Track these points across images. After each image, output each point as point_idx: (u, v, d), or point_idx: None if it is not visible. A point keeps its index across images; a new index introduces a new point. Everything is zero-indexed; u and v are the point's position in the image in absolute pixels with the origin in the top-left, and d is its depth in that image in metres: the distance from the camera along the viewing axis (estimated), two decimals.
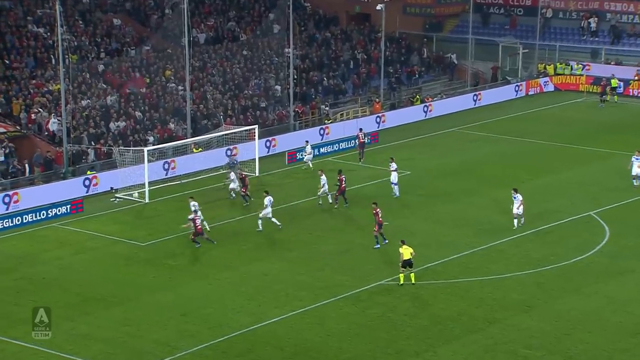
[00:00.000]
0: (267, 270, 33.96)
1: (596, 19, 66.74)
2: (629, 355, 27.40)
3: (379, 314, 30.16)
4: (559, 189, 42.98)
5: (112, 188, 43.34)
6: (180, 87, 52.15)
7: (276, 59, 58.07)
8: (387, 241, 35.36)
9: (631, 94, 61.95)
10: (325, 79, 59.15)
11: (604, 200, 41.13)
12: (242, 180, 41.54)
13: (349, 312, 30.37)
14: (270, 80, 56.45)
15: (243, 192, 41.25)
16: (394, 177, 41.84)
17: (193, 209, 36.67)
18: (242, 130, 47.80)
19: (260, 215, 37.77)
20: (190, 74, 50.46)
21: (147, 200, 42.30)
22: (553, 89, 64.34)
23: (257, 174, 46.13)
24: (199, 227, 35.73)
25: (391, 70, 61.40)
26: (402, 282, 31.86)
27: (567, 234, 37.35)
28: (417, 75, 63.44)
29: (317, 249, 36.00)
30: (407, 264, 31.70)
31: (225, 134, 47.10)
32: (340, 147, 51.01)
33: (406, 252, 31.65)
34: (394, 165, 42.02)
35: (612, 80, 60.20)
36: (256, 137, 47.33)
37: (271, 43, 59.58)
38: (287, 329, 29.29)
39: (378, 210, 35.22)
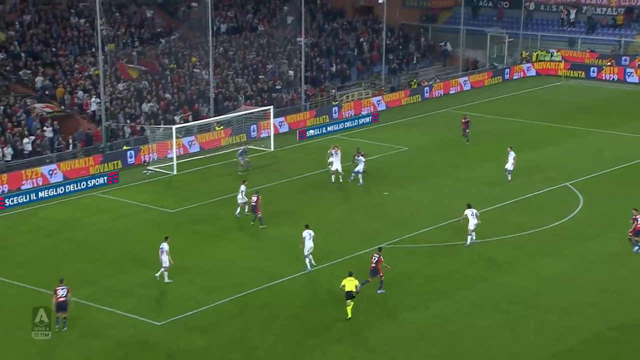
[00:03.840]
0: (281, 235, 33.92)
1: (574, 10, 66.15)
2: (597, 308, 27.41)
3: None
4: (539, 162, 42.70)
5: (145, 162, 43.41)
6: (204, 72, 51.96)
7: (289, 46, 57.73)
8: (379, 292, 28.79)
9: (604, 78, 61.43)
10: (332, 65, 58.82)
11: (578, 172, 40.88)
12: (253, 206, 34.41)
13: (353, 271, 30.29)
14: (284, 66, 56.16)
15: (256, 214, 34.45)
16: (360, 167, 38.83)
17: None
18: (259, 111, 47.69)
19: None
20: (213, 61, 50.27)
21: (175, 172, 42.28)
22: (535, 74, 63.82)
23: (272, 149, 46.04)
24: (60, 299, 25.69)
25: (391, 57, 61.00)
26: (349, 315, 26.64)
27: (545, 202, 37.17)
28: (414, 62, 63.06)
29: (326, 216, 35.91)
30: (349, 296, 26.67)
31: (244, 114, 47.03)
32: (346, 126, 50.81)
33: (349, 284, 26.74)
34: (362, 159, 39.07)
35: None
36: (271, 116, 47.24)
37: (285, 32, 59.21)
38: (299, 286, 29.32)
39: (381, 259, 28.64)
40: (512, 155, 39.33)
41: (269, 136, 46.75)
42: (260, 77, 54.01)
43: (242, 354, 24.94)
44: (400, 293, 28.66)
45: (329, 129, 50.00)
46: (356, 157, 39.55)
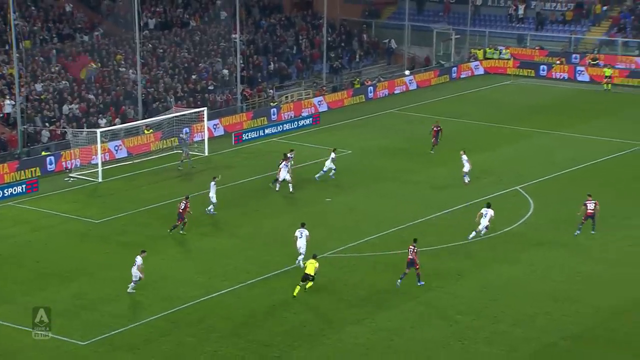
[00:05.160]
0: (216, 246, 33.91)
1: (523, 5, 67.79)
2: (549, 318, 28.05)
3: (322, 285, 30.33)
4: (488, 165, 43.51)
5: (67, 168, 42.82)
6: (131, 71, 51.49)
7: (223, 44, 57.63)
8: (418, 285, 30.11)
9: (554, 76, 63.06)
10: (270, 63, 58.94)
11: (528, 175, 41.87)
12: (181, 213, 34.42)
13: (294, 283, 30.50)
14: (218, 65, 56.04)
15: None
16: (329, 163, 40.59)
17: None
18: (192, 112, 47.50)
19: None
20: (141, 59, 49.84)
21: (100, 180, 41.79)
22: (483, 73, 65.09)
23: (206, 154, 45.90)
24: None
25: (333, 55, 61.46)
26: (295, 293, 28.78)
27: (495, 207, 37.67)
28: (357, 60, 63.63)
29: (264, 225, 36.00)
30: (307, 278, 28.80)
31: (175, 116, 46.76)
32: (285, 129, 51.03)
33: (310, 266, 28.83)
34: (332, 155, 40.65)
35: (606, 70, 59.43)
36: (205, 118, 47.11)
37: (219, 29, 59.09)
38: (236, 300, 29.32)
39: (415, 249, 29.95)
40: (464, 158, 40.17)
41: (203, 140, 46.60)
42: (192, 76, 53.80)
43: None
44: (345, 305, 28.90)
45: (266, 131, 50.10)
46: (332, 156, 40.60)
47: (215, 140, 48.05)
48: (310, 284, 29.02)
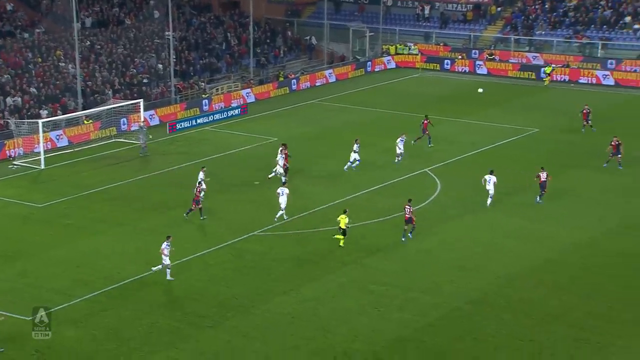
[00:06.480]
0: (153, 226, 33.30)
1: (429, 6, 68.64)
2: (455, 286, 28.59)
3: (251, 260, 30.20)
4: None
5: (11, 156, 41.37)
6: (70, 66, 50.02)
7: (157, 40, 56.52)
8: (409, 237, 31.83)
9: (457, 70, 64.08)
10: (201, 58, 58.13)
11: (435, 159, 42.46)
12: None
13: (226, 259, 30.31)
14: (152, 60, 54.96)
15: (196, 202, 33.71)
16: (354, 154, 40.09)
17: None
18: (129, 104, 46.52)
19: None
20: (80, 54, 48.50)
21: (42, 167, 40.53)
22: (395, 66, 65.65)
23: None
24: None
25: (259, 51, 61.00)
26: (338, 238, 31.10)
27: (407, 187, 38.33)
28: (281, 55, 63.36)
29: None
30: (341, 231, 30.99)
31: (113, 107, 45.74)
32: (216, 118, 50.44)
33: (342, 221, 30.86)
34: (355, 146, 40.14)
35: (547, 68, 59.84)
36: (141, 109, 46.26)
37: (152, 26, 57.91)
38: (174, 275, 28.87)
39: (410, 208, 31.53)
40: (402, 140, 40.91)
41: (140, 129, 45.61)
42: (131, 70, 52.60)
43: (116, 344, 24.33)
44: (274, 278, 28.83)
45: (199, 121, 49.46)
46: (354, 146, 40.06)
47: (151, 129, 47.09)
48: (342, 239, 30.82)
